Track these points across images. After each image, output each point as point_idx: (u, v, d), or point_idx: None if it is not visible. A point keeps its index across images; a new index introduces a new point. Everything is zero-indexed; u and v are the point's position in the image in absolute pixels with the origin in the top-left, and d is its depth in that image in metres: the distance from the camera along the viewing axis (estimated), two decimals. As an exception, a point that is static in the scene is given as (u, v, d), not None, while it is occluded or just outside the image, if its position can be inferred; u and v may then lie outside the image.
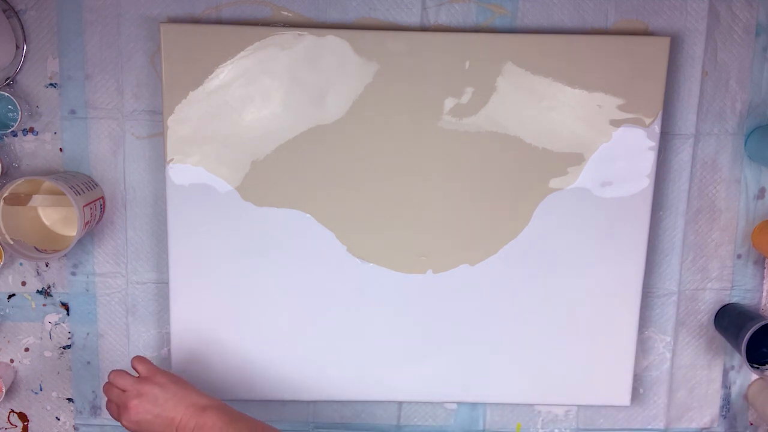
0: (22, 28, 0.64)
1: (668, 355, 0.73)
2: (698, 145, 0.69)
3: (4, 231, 0.61)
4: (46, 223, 0.67)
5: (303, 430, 0.74)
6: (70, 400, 0.72)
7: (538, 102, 0.65)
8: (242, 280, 0.67)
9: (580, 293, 0.68)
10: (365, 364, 0.69)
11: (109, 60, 0.65)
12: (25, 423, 0.73)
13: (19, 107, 0.64)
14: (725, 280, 0.72)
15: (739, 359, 0.73)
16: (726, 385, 0.74)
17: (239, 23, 0.65)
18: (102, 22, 0.65)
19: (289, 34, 0.63)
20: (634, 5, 0.66)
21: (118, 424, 0.72)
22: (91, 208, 0.63)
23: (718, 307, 0.72)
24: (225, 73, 0.63)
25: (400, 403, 0.73)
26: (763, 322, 0.65)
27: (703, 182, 0.70)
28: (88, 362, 0.71)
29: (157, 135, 0.67)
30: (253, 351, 0.69)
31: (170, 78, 0.63)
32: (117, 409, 0.58)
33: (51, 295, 0.70)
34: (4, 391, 0.68)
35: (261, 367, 0.69)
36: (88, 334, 0.70)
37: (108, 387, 0.60)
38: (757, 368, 0.68)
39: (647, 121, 0.65)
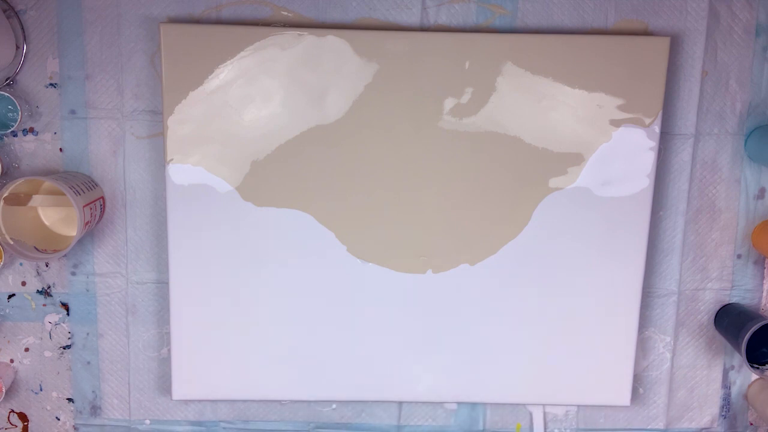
0: (22, 28, 0.64)
1: (668, 355, 0.73)
2: (698, 145, 0.69)
3: (4, 231, 0.61)
4: (46, 223, 0.67)
5: (303, 430, 0.74)
6: (70, 400, 0.72)
7: (538, 102, 0.65)
8: (242, 280, 0.67)
9: (580, 293, 0.69)
10: (365, 364, 0.69)
11: (109, 60, 0.65)
12: (25, 423, 0.73)
13: (19, 107, 0.64)
14: (725, 280, 0.72)
15: (739, 359, 0.73)
16: (726, 385, 0.74)
17: (239, 23, 0.65)
18: (102, 22, 0.65)
19: (289, 34, 0.63)
20: (634, 5, 0.66)
21: (119, 424, 0.73)
22: (91, 208, 0.63)
23: (718, 307, 0.72)
24: (225, 73, 0.63)
25: (400, 403, 0.73)
26: (763, 322, 0.65)
27: (703, 182, 0.70)
28: (88, 362, 0.71)
29: (157, 135, 0.67)
30: (253, 351, 0.69)
31: (170, 78, 0.63)
32: None
33: (51, 295, 0.70)
34: (4, 391, 0.68)
35: (261, 367, 0.69)
36: (88, 334, 0.70)
37: None
38: (757, 368, 0.68)
39: (647, 121, 0.65)
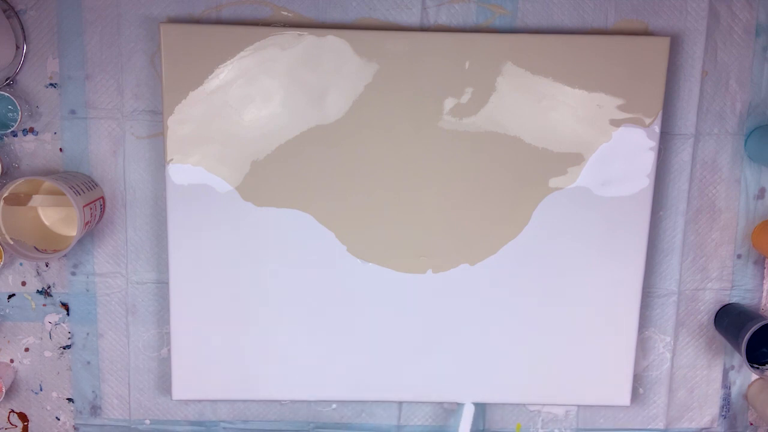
0: (22, 28, 0.64)
1: (668, 355, 0.73)
2: (698, 145, 0.69)
3: (4, 231, 0.61)
4: (46, 223, 0.67)
5: (303, 430, 0.74)
6: (70, 400, 0.72)
7: (538, 102, 0.65)
8: (242, 280, 0.67)
9: (580, 293, 0.69)
10: (365, 364, 0.69)
11: (109, 60, 0.65)
12: (25, 423, 0.73)
13: (19, 107, 0.64)
14: (725, 280, 0.72)
15: (739, 359, 0.73)
16: (726, 385, 0.74)
17: (239, 23, 0.65)
18: (102, 22, 0.65)
19: (289, 34, 0.63)
20: (634, 5, 0.66)
21: (118, 424, 0.73)
22: (91, 208, 0.63)
23: (718, 307, 0.72)
24: (225, 73, 0.63)
25: (400, 403, 0.73)
26: (763, 322, 0.65)
27: (703, 182, 0.70)
28: (88, 362, 0.71)
29: (157, 135, 0.67)
30: (253, 351, 0.69)
31: (170, 78, 0.63)
32: None
33: (51, 295, 0.70)
34: (4, 391, 0.68)
35: (261, 367, 0.69)
36: (88, 334, 0.70)
37: None
38: (757, 368, 0.68)
39: (647, 121, 0.65)
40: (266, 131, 0.64)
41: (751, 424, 0.75)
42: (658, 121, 0.65)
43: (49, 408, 0.72)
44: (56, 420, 0.73)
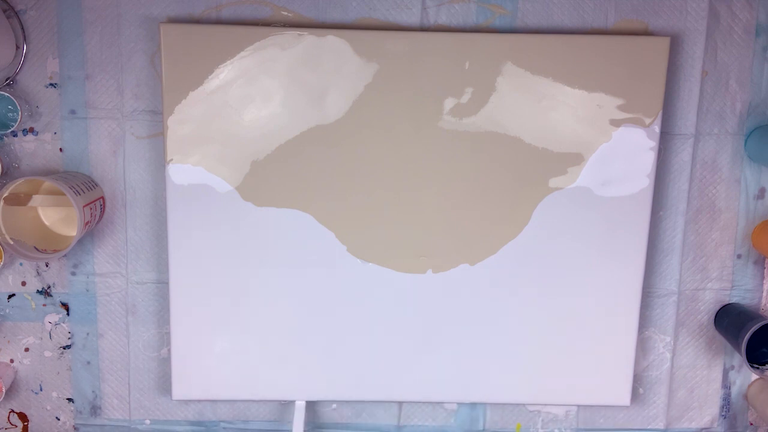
0: (22, 28, 0.64)
1: (668, 355, 0.73)
2: (698, 145, 0.69)
3: (4, 231, 0.61)
4: (46, 223, 0.67)
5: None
6: (70, 400, 0.72)
7: (538, 102, 0.65)
8: (242, 279, 0.67)
9: (580, 293, 0.68)
10: (365, 364, 0.69)
11: (109, 60, 0.65)
12: (25, 423, 0.73)
13: (19, 107, 0.64)
14: (725, 280, 0.72)
15: (739, 359, 0.73)
16: (726, 385, 0.74)
17: (239, 23, 0.65)
18: (102, 22, 0.65)
19: (289, 34, 0.63)
20: (634, 5, 0.66)
21: (118, 424, 0.73)
22: (91, 208, 0.63)
23: (718, 307, 0.72)
24: (225, 73, 0.63)
25: (400, 403, 0.73)
26: (763, 322, 0.65)
27: (703, 182, 0.70)
28: (88, 362, 0.71)
29: (157, 135, 0.67)
30: (253, 351, 0.69)
31: (170, 78, 0.63)
32: None
33: (51, 295, 0.70)
34: (4, 391, 0.68)
35: (261, 367, 0.69)
36: (88, 334, 0.70)
37: None
38: (757, 368, 0.68)
39: (647, 121, 0.65)
40: (266, 131, 0.65)
41: (751, 424, 0.75)
42: (658, 121, 0.65)
43: (49, 408, 0.72)
44: (56, 420, 0.73)
